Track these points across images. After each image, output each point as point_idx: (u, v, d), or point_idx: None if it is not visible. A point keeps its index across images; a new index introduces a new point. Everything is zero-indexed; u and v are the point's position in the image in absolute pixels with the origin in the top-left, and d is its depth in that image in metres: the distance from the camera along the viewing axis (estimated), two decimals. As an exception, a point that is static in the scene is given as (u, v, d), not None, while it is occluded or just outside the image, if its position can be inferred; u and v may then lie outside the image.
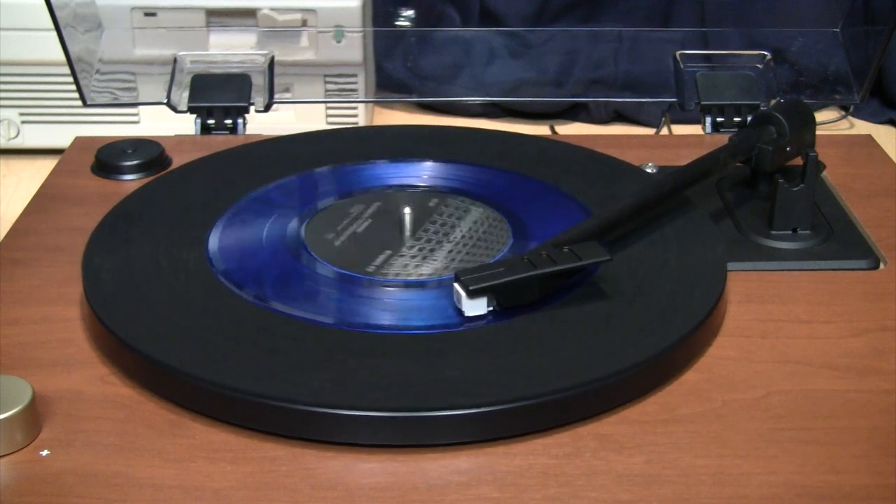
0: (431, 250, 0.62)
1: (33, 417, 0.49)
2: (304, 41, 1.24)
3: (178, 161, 0.77)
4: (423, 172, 0.73)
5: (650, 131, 1.30)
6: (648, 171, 0.74)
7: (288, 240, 0.64)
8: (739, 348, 0.56)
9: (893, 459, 0.48)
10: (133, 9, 1.04)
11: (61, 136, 1.11)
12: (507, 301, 0.56)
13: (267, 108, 0.87)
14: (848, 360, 0.55)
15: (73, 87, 0.86)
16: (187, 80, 0.87)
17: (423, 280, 0.59)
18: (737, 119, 0.85)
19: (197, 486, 0.46)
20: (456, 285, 0.55)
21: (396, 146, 0.76)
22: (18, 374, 0.50)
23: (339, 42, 1.25)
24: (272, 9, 1.19)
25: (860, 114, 1.48)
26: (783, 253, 0.65)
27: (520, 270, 0.55)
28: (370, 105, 1.45)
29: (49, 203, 0.72)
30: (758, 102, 0.85)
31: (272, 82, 0.89)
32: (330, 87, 1.29)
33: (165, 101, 0.87)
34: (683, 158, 0.69)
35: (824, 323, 0.58)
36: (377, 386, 0.50)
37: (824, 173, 0.73)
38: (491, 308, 0.56)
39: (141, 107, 1.27)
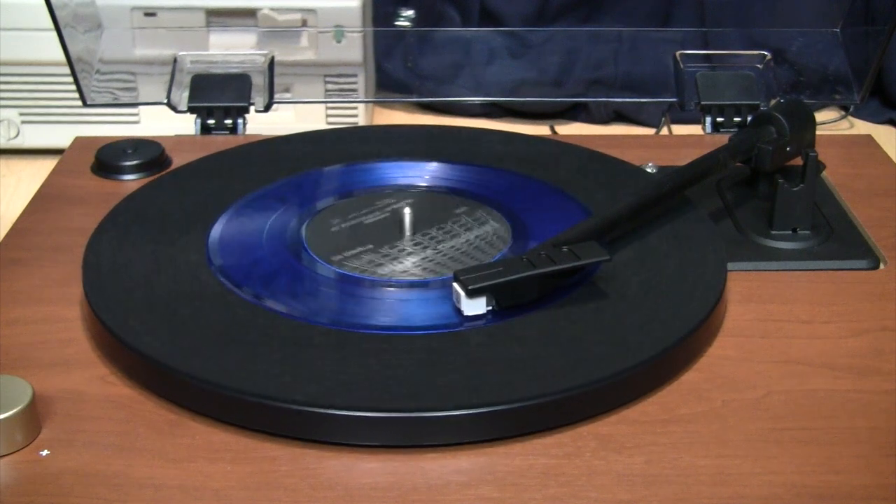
0: (410, 253, 0.62)
1: (33, 417, 0.49)
2: (304, 41, 1.24)
3: (178, 161, 0.77)
4: (424, 172, 0.73)
5: (650, 131, 1.30)
6: (648, 171, 0.74)
7: (288, 239, 0.64)
8: (739, 348, 0.56)
9: (893, 459, 0.48)
10: (133, 9, 1.04)
11: (61, 136, 1.11)
12: (507, 301, 0.56)
13: (267, 108, 0.87)
14: (848, 360, 0.55)
15: (73, 87, 0.86)
16: (187, 80, 0.87)
17: (425, 280, 0.59)
18: (737, 119, 0.85)
19: (197, 486, 0.46)
20: (455, 285, 0.55)
21: (396, 146, 0.76)
22: (18, 374, 0.50)
23: (339, 42, 1.25)
24: (272, 9, 1.19)
25: (860, 114, 1.48)
26: (783, 253, 0.65)
27: (519, 270, 0.55)
28: (370, 105, 1.45)
29: (49, 203, 0.72)
30: (758, 102, 0.85)
31: (272, 82, 0.89)
32: (330, 87, 1.29)
33: (165, 101, 0.87)
34: (683, 158, 0.69)
35: (824, 323, 0.58)
36: (377, 386, 0.50)
37: (824, 173, 0.73)
38: (490, 308, 0.56)
39: (141, 107, 1.27)
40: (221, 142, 0.82)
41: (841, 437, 0.49)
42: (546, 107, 1.48)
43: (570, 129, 1.47)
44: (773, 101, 0.86)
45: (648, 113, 1.46)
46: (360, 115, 1.38)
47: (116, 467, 0.47)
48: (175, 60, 0.89)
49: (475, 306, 0.55)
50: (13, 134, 1.36)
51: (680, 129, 1.02)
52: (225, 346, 0.53)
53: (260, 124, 0.87)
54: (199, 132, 0.85)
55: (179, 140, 0.81)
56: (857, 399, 0.52)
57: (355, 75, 1.29)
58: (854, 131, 1.43)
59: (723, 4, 1.22)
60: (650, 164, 0.75)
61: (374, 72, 1.31)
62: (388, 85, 1.34)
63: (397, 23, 1.02)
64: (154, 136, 0.79)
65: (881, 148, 0.81)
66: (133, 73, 0.93)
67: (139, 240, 0.63)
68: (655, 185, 0.65)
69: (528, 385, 0.50)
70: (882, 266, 0.64)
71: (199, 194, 0.69)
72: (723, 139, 0.70)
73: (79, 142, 0.81)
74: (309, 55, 1.24)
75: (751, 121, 0.72)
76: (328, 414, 0.48)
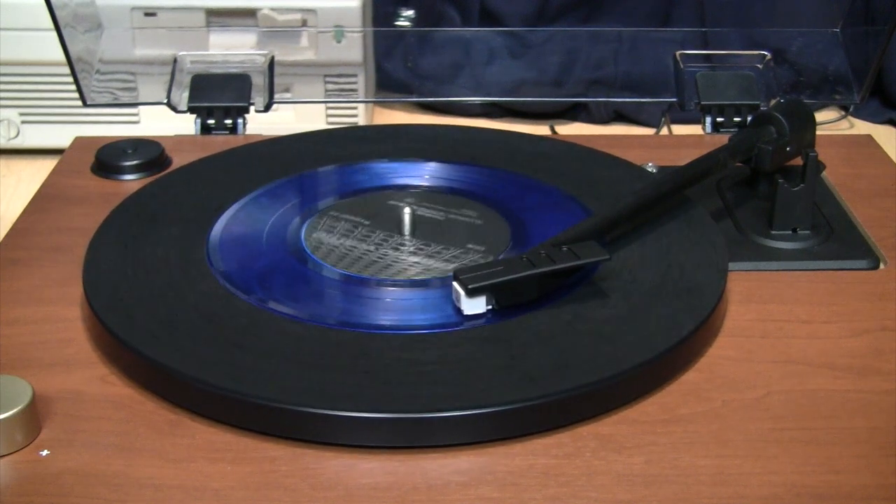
0: (409, 252, 0.62)
1: (33, 417, 0.49)
2: (304, 41, 1.24)
3: (178, 161, 0.77)
4: (424, 172, 0.73)
5: (650, 131, 1.30)
6: (648, 171, 0.74)
7: (288, 239, 0.64)
8: (739, 348, 0.56)
9: (893, 459, 0.48)
10: (133, 9, 1.04)
11: (61, 136, 1.11)
12: (506, 300, 0.56)
13: (267, 108, 0.87)
14: (848, 360, 0.55)
15: (73, 87, 0.86)
16: (187, 80, 0.87)
17: (424, 279, 0.59)
18: (737, 119, 0.85)
19: (197, 486, 0.46)
20: (455, 284, 0.55)
21: (396, 146, 0.76)
22: (18, 374, 0.50)
23: (339, 42, 1.25)
24: (272, 9, 1.19)
25: (860, 114, 1.48)
26: (783, 253, 0.65)
27: (519, 269, 0.55)
28: (370, 105, 1.45)
29: (49, 203, 0.72)
30: (758, 102, 0.85)
31: (272, 82, 0.89)
32: (330, 87, 1.29)
33: (165, 101, 0.87)
34: (683, 158, 0.69)
35: (824, 323, 0.58)
36: (377, 386, 0.50)
37: (824, 173, 0.73)
38: (490, 307, 0.56)
39: (141, 107, 1.27)
40: (221, 142, 0.82)
41: (841, 437, 0.49)
42: (546, 107, 1.48)
43: (570, 129, 1.47)
44: (773, 101, 0.86)
45: (648, 113, 1.46)
46: (360, 115, 1.38)
47: (116, 467, 0.47)
48: (175, 60, 0.89)
49: (475, 305, 0.55)
50: (13, 134, 1.36)
51: (680, 129, 1.02)
52: (225, 346, 0.53)
53: (260, 124, 0.87)
54: (199, 132, 0.85)
55: (179, 140, 0.81)
56: (857, 399, 0.52)
57: (355, 75, 1.29)
58: (854, 131, 1.43)
59: (723, 4, 1.22)
60: (650, 164, 0.75)
61: (374, 72, 1.31)
62: (388, 85, 1.34)
63: (397, 23, 1.02)
64: (154, 136, 0.79)
65: (881, 148, 0.81)
66: (133, 73, 0.93)
67: (139, 240, 0.63)
68: (655, 185, 0.65)
69: (528, 385, 0.50)
70: (882, 266, 0.64)
71: (199, 195, 0.69)
72: (723, 139, 0.70)
73: (79, 142, 0.81)
74: (309, 55, 1.24)
75: (751, 121, 0.72)
76: (328, 414, 0.48)
